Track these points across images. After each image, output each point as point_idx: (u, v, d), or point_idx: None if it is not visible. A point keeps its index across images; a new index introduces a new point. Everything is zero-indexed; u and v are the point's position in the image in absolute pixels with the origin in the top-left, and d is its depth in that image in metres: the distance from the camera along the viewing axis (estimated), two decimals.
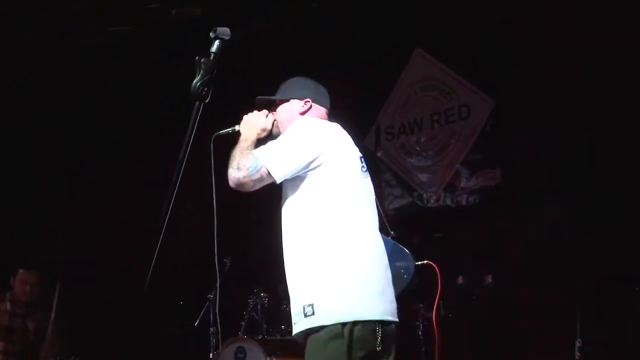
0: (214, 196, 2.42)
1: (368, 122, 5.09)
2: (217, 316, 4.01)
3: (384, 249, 2.34)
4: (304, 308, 2.20)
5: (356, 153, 2.43)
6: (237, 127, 2.52)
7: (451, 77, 4.74)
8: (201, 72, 1.97)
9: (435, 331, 2.82)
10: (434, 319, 2.86)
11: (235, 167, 2.28)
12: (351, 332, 2.12)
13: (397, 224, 3.01)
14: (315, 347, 2.17)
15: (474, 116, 4.61)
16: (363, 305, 2.16)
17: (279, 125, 2.51)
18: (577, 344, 3.40)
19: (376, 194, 2.53)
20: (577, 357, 3.39)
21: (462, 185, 4.64)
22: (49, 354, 4.46)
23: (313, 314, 2.17)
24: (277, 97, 2.54)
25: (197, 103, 1.97)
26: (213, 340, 4.13)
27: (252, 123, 2.49)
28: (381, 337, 2.15)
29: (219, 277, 2.69)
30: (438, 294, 2.69)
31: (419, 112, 4.92)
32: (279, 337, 4.07)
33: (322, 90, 2.59)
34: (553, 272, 3.97)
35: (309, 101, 2.50)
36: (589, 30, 3.93)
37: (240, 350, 3.85)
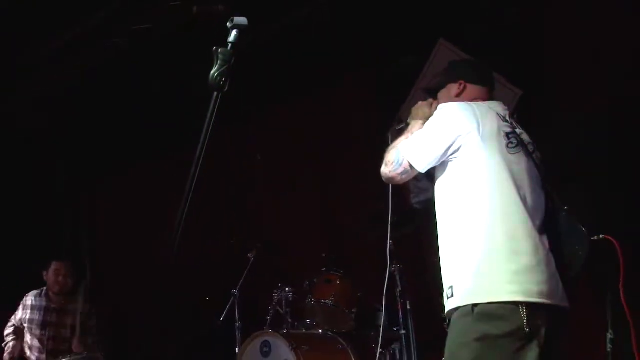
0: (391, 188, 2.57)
1: (390, 116, 5.03)
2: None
3: (536, 226, 2.27)
4: (446, 290, 2.28)
5: (501, 130, 2.35)
6: (409, 121, 2.64)
7: None
8: (219, 63, 1.98)
9: (628, 316, 2.51)
10: (623, 301, 2.51)
11: (384, 163, 2.46)
12: (482, 310, 2.13)
13: (424, 217, 2.96)
14: (451, 326, 2.24)
15: None
16: (499, 285, 2.15)
17: None
18: (609, 336, 3.31)
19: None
20: (608, 349, 3.30)
21: None
22: (79, 347, 4.54)
23: (452, 296, 2.24)
24: (435, 86, 2.63)
25: (215, 94, 1.97)
26: (239, 335, 4.14)
27: (417, 113, 2.61)
28: (527, 319, 2.10)
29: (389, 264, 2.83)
30: (621, 273, 2.45)
31: None
32: (304, 331, 4.07)
33: (479, 68, 2.63)
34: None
35: (462, 82, 2.54)
36: (624, 20, 3.84)
37: (266, 344, 3.85)
